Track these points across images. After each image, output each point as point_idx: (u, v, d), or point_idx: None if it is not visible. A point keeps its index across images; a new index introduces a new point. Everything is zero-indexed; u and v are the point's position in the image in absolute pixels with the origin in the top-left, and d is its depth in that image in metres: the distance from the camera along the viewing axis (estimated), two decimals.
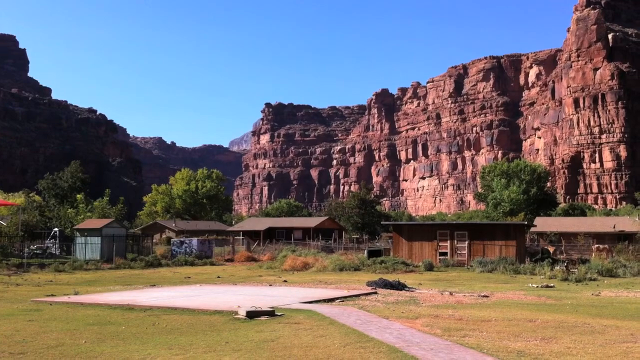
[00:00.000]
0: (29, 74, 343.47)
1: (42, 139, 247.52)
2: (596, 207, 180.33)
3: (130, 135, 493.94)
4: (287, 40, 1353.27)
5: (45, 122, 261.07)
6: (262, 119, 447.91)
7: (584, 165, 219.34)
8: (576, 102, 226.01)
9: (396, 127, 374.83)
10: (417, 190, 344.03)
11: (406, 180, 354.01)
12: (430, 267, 47.91)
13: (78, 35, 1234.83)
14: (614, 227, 73.08)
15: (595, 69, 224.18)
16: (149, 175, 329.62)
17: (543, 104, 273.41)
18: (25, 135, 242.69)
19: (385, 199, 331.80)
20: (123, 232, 61.66)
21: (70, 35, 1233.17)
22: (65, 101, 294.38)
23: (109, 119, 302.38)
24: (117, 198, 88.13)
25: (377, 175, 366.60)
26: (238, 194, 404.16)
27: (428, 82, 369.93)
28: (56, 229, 67.61)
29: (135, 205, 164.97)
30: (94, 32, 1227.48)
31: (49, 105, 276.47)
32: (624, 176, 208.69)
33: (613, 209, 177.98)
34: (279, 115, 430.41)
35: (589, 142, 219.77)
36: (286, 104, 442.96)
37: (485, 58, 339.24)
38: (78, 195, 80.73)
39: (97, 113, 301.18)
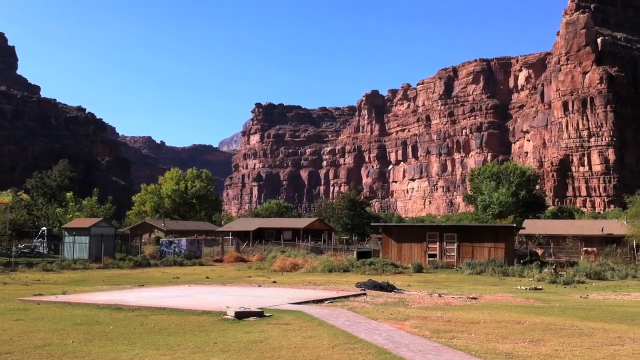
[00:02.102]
0: (18, 72, 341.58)
1: (30, 137, 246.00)
2: (584, 210, 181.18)
3: (120, 134, 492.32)
4: (277, 40, 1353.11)
5: (33, 120, 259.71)
6: (252, 119, 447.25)
7: (573, 169, 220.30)
8: (565, 105, 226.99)
9: (386, 128, 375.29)
10: (407, 191, 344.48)
11: (396, 182, 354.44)
12: (419, 269, 47.98)
13: (67, 34, 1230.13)
14: (602, 230, 73.49)
15: (584, 73, 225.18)
16: (138, 175, 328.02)
17: (532, 107, 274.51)
18: (14, 133, 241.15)
19: (374, 200, 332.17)
20: (111, 232, 61.43)
21: (59, 34, 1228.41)
22: (54, 99, 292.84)
23: (97, 117, 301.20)
24: (105, 197, 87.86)
25: (367, 176, 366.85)
26: (227, 194, 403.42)
27: (418, 84, 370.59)
28: (44, 228, 67.34)
29: (124, 204, 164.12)
30: (83, 30, 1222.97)
31: (38, 104, 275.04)
32: (612, 179, 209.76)
33: (601, 212, 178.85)
34: (269, 116, 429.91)
35: (577, 145, 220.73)
36: (276, 104, 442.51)
37: (475, 61, 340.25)
38: (68, 194, 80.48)
39: (86, 112, 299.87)
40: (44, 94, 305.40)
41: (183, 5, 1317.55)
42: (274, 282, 36.39)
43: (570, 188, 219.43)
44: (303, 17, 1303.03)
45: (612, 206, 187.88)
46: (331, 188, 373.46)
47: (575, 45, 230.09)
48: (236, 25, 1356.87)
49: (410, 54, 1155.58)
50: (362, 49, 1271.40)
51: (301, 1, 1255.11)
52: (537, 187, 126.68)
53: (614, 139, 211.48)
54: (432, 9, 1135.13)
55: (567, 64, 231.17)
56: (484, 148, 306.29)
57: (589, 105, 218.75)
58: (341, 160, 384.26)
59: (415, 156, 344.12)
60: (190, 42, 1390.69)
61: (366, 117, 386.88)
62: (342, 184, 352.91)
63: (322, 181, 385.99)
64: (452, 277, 42.83)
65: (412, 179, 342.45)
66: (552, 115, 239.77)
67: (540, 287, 34.43)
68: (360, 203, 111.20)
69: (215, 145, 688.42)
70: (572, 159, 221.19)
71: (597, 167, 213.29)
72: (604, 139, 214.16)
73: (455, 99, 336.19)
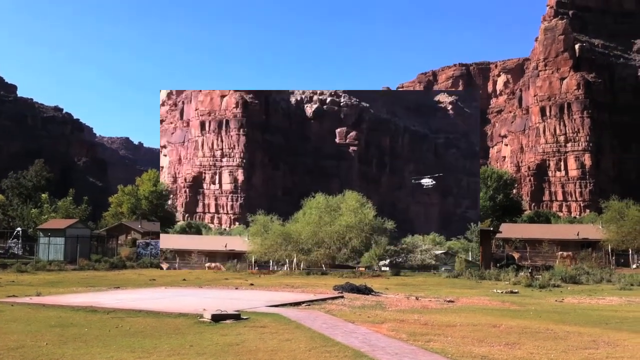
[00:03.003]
0: None
1: (6, 136, 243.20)
2: (561, 214, 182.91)
3: (97, 134, 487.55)
4: (256, 43, 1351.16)
5: (10, 119, 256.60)
6: None
7: (550, 173, 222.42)
8: (542, 110, 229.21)
9: None
10: None
11: None
12: (397, 272, 48.11)
13: (45, 33, 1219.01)
14: (578, 235, 74.25)
15: (562, 79, 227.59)
16: (115, 176, 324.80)
17: (510, 111, 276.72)
18: None
19: None
20: (87, 233, 60.98)
21: (37, 33, 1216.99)
22: (31, 99, 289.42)
23: (75, 118, 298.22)
24: (81, 198, 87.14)
25: None
26: None
27: (398, 88, 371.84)
28: (19, 229, 66.66)
29: (100, 205, 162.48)
30: (61, 30, 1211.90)
31: (15, 103, 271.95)
32: (588, 184, 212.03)
33: (577, 216, 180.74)
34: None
35: (554, 150, 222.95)
36: None
37: (455, 65, 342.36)
38: (43, 195, 79.75)
39: (63, 112, 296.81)
40: (20, 93, 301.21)
41: (163, 6, 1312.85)
42: (252, 284, 36.28)
43: (546, 192, 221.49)
44: (281, 20, 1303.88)
45: (587, 211, 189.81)
46: None
47: (553, 51, 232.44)
48: (216, 27, 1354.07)
49: (390, 58, 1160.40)
50: (341, 53, 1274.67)
51: (279, 4, 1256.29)
52: (514, 191, 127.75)
53: (590, 145, 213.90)
54: (412, 13, 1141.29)
55: (545, 70, 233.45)
56: None
57: (566, 111, 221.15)
58: None
59: None
60: (169, 43, 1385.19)
61: None
62: None
63: None
64: (430, 280, 43.01)
65: None
66: (530, 121, 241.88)
67: (516, 290, 34.66)
68: None
69: None
70: (549, 164, 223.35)
71: (574, 172, 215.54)
72: (580, 144, 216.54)
73: None
